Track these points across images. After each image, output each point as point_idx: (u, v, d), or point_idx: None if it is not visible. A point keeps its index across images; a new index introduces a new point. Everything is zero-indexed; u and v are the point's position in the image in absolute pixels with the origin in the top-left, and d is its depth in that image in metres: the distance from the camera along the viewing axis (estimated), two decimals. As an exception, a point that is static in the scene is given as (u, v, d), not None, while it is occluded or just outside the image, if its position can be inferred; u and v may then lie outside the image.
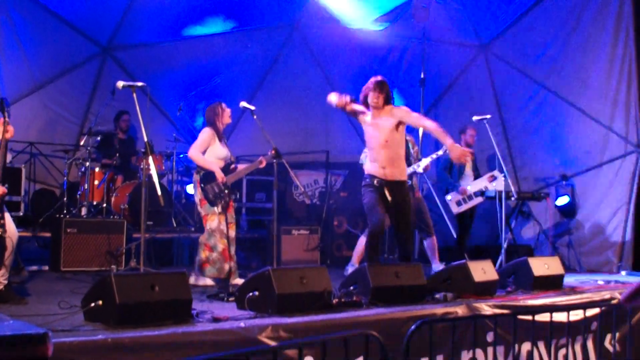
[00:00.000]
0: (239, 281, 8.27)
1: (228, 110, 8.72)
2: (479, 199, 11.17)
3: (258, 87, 14.19)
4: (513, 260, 8.88)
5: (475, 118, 10.52)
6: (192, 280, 8.27)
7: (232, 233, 8.50)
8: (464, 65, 13.66)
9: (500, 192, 10.52)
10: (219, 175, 8.34)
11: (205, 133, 8.52)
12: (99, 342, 4.80)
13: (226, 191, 8.39)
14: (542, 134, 12.69)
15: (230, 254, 8.44)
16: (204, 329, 5.37)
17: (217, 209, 8.30)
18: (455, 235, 11.64)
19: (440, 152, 10.09)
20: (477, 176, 11.53)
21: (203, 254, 8.40)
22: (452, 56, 13.64)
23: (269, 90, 14.11)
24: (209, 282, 8.42)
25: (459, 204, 11.24)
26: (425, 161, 10.03)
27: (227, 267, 8.41)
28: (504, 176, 10.22)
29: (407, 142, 9.82)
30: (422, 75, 12.87)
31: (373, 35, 13.51)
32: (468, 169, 11.37)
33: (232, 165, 8.64)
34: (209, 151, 8.46)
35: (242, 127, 13.82)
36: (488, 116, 10.35)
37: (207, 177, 8.36)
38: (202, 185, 8.37)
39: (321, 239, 11.60)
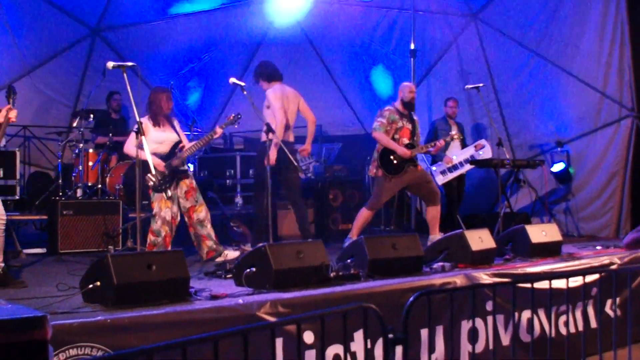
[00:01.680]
0: (233, 254, 8.31)
1: (164, 95, 8.57)
2: (465, 168, 11.19)
3: (248, 63, 14.12)
4: (510, 228, 8.87)
5: (467, 87, 10.53)
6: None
7: (200, 215, 8.46)
8: (454, 34, 13.59)
9: (489, 161, 10.58)
10: (155, 163, 8.10)
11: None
12: (98, 323, 4.79)
13: (165, 175, 8.29)
14: (536, 101, 12.67)
15: (203, 234, 8.43)
16: (203, 307, 5.36)
17: (166, 194, 8.20)
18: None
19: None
20: (464, 146, 11.53)
21: (149, 238, 8.31)
22: (442, 26, 13.59)
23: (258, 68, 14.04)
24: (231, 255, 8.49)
25: (443, 173, 11.28)
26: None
27: None
28: (500, 144, 10.17)
29: (415, 122, 9.85)
30: (412, 47, 12.83)
31: (361, 8, 13.46)
32: (454, 139, 11.32)
33: (180, 145, 8.50)
34: (147, 140, 8.29)
35: (234, 103, 13.81)
36: (480, 85, 10.33)
37: (146, 166, 8.29)
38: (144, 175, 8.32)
39: (316, 213, 11.58)
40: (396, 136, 9.64)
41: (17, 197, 10.67)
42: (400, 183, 9.75)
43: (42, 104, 12.30)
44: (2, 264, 6.84)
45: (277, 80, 10.07)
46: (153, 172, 8.05)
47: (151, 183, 8.23)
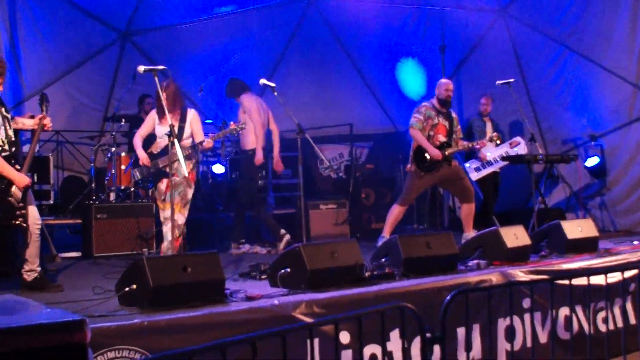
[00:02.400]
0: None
1: (172, 86, 8.41)
2: (499, 165, 11.12)
3: (277, 63, 14.12)
4: (545, 225, 8.81)
5: (498, 83, 10.44)
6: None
7: (165, 213, 8.16)
8: (483, 30, 13.51)
9: (522, 157, 10.53)
10: (140, 156, 8.16)
11: (148, 117, 8.46)
12: (135, 326, 4.84)
13: (149, 173, 8.23)
14: (568, 95, 12.56)
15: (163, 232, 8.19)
16: (238, 308, 5.38)
17: (147, 192, 8.12)
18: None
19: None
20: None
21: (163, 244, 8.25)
22: (471, 22, 13.49)
23: (288, 66, 14.05)
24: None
25: (477, 170, 11.20)
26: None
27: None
28: (533, 140, 10.11)
29: (453, 120, 9.84)
30: (441, 43, 12.78)
31: (389, 5, 13.42)
32: (489, 135, 11.28)
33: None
34: (155, 133, 8.32)
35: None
36: (511, 80, 10.27)
37: (137, 160, 8.29)
38: (133, 168, 8.31)
39: (349, 212, 11.58)
40: (431, 133, 9.64)
41: (51, 202, 10.75)
42: (432, 180, 9.75)
43: (74, 109, 12.36)
44: (39, 268, 6.91)
45: (246, 91, 10.41)
46: (143, 171, 8.08)
47: (136, 177, 8.27)
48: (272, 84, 8.35)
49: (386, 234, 9.62)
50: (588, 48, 12.08)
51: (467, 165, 11.27)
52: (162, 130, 8.22)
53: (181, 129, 8.29)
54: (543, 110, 13.03)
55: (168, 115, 7.14)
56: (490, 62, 13.35)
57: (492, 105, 11.75)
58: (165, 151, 8.09)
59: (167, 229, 8.07)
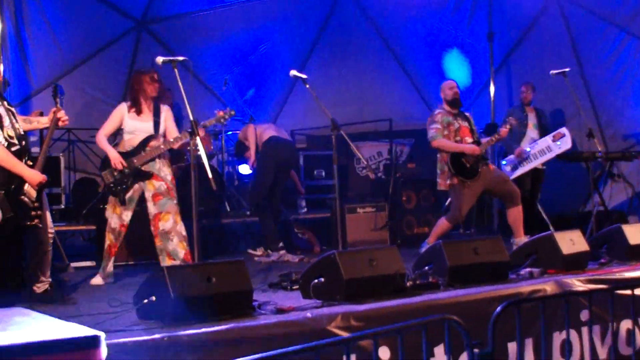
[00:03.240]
0: None
1: (148, 76, 8.25)
2: (539, 161, 11.01)
3: (309, 53, 14.16)
4: (605, 229, 8.76)
5: (552, 72, 10.39)
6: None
7: (166, 225, 7.99)
8: (535, 14, 13.47)
9: (574, 153, 10.43)
10: (112, 157, 7.98)
11: (114, 111, 8.31)
12: (155, 341, 4.86)
13: (125, 175, 8.01)
14: (629, 86, 12.51)
15: (166, 251, 8.01)
16: (268, 322, 5.40)
17: (120, 198, 7.99)
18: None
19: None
20: (543, 135, 11.33)
21: (105, 245, 8.25)
22: (521, 5, 13.44)
23: (321, 56, 14.09)
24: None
25: (514, 168, 11.09)
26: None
27: (108, 265, 8.19)
28: (591, 135, 10.03)
29: (468, 117, 9.85)
30: (489, 30, 12.76)
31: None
32: (531, 129, 11.21)
33: (151, 142, 8.13)
34: (123, 128, 8.22)
35: (295, 98, 13.84)
36: (567, 70, 10.23)
37: (105, 162, 8.16)
38: (100, 172, 8.23)
39: (389, 217, 11.58)
40: (457, 138, 9.66)
41: (62, 206, 10.83)
42: (478, 187, 9.72)
43: (86, 105, 12.42)
44: (50, 279, 6.97)
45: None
46: (115, 173, 7.98)
47: (107, 181, 8.07)
48: (304, 76, 8.36)
49: (430, 242, 9.63)
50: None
51: (503, 162, 11.24)
52: (134, 125, 8.16)
53: (156, 124, 8.24)
54: (602, 103, 12.96)
55: (189, 109, 7.15)
56: (543, 50, 13.32)
57: (534, 94, 11.58)
58: (135, 149, 8.09)
59: (174, 245, 8.01)
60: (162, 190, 8.07)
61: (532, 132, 11.26)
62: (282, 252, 10.10)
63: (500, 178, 9.83)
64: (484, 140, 9.90)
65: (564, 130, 10.91)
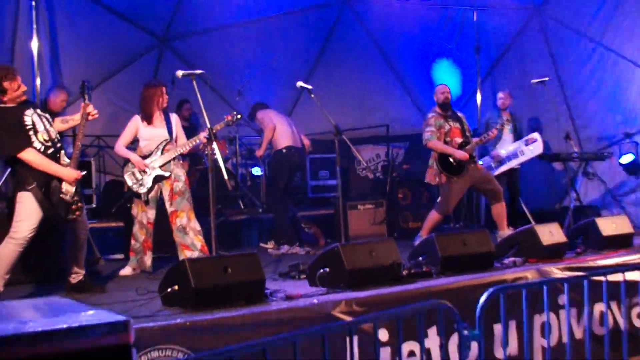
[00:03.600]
0: None
1: (157, 90, 8.41)
2: (512, 163, 10.95)
3: (314, 66, 14.13)
4: (580, 222, 8.78)
5: (533, 81, 10.45)
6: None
7: (182, 221, 8.11)
8: (518, 29, 13.46)
9: (556, 154, 10.41)
10: (135, 161, 8.13)
11: (129, 123, 8.38)
12: (178, 326, 4.90)
13: (146, 176, 8.14)
14: (602, 93, 12.47)
15: (183, 243, 8.09)
16: (279, 308, 5.43)
17: (143, 197, 8.11)
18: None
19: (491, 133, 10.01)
20: (517, 139, 11.29)
21: (131, 242, 8.35)
22: (505, 21, 13.44)
23: (325, 69, 14.04)
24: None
25: (489, 169, 11.03)
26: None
27: (146, 261, 8.26)
28: (568, 138, 10.03)
29: (461, 118, 9.86)
30: (475, 43, 12.76)
31: (423, 6, 13.42)
32: (506, 133, 11.13)
33: (167, 146, 8.23)
34: (139, 137, 8.31)
35: (301, 106, 13.83)
36: (546, 78, 10.30)
37: (125, 167, 8.28)
38: (123, 176, 8.29)
39: (387, 212, 11.58)
40: (447, 139, 9.70)
41: (93, 205, 10.85)
42: (465, 183, 9.73)
43: (113, 114, 12.39)
44: (83, 271, 7.01)
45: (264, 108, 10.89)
46: (137, 175, 8.10)
47: (130, 184, 8.17)
48: (309, 87, 8.36)
49: (423, 234, 9.64)
50: (622, 45, 11.99)
51: (480, 163, 11.19)
52: (150, 133, 8.24)
53: (170, 130, 8.31)
54: (578, 109, 12.92)
55: (206, 117, 7.16)
56: (525, 62, 13.30)
57: (511, 100, 11.49)
58: (154, 154, 8.17)
59: (136, 229, 8.22)
60: (177, 190, 8.17)
61: (507, 135, 11.13)
62: (286, 246, 10.14)
63: (485, 177, 9.83)
64: (474, 140, 9.87)
65: (536, 135, 10.83)
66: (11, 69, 6.51)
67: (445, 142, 9.68)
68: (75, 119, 7.02)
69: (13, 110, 6.51)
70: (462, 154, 9.53)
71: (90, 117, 6.82)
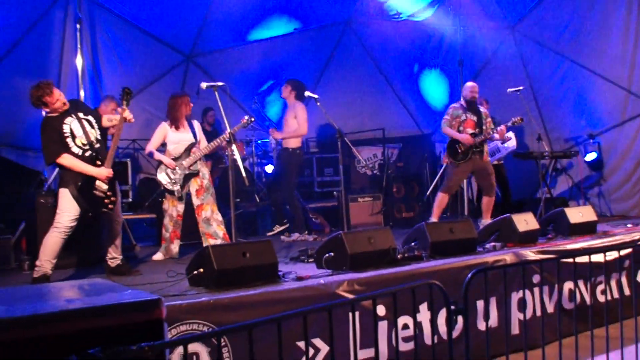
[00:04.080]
0: None
1: (182, 100, 8.36)
2: (492, 160, 10.93)
3: (319, 78, 14.12)
4: (551, 211, 8.75)
5: (509, 90, 10.41)
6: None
7: (206, 213, 8.12)
8: (496, 45, 13.42)
9: (530, 153, 10.42)
10: (167, 163, 8.12)
11: (158, 129, 8.36)
12: (203, 303, 4.88)
13: (178, 175, 8.14)
14: (569, 100, 12.45)
15: (207, 232, 8.11)
16: (290, 287, 5.40)
17: (177, 194, 8.11)
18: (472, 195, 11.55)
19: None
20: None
21: (162, 231, 8.38)
22: (484, 38, 13.40)
23: (329, 81, 14.03)
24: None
25: None
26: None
27: (173, 248, 8.27)
28: (540, 139, 10.00)
29: (481, 114, 9.79)
30: (459, 57, 12.74)
31: (415, 26, 13.41)
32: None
33: (193, 148, 8.24)
34: (167, 141, 8.27)
35: (308, 113, 13.79)
36: (521, 88, 10.25)
37: (159, 168, 8.26)
38: (157, 175, 8.28)
39: (383, 204, 11.57)
40: (460, 128, 9.67)
41: (130, 200, 10.85)
42: (467, 169, 9.73)
43: (146, 120, 12.39)
44: (121, 256, 7.01)
45: (303, 99, 10.25)
46: (170, 175, 8.10)
47: (164, 182, 8.17)
48: (316, 96, 8.37)
49: (434, 218, 9.65)
50: (586, 58, 11.96)
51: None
52: (178, 137, 8.24)
53: (194, 134, 8.33)
54: (548, 113, 12.90)
55: (226, 122, 7.14)
56: (502, 73, 13.24)
57: (488, 106, 11.34)
58: (181, 155, 8.18)
59: (167, 221, 8.25)
60: (203, 186, 8.20)
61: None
62: (296, 234, 10.12)
63: (486, 171, 9.75)
64: (487, 131, 9.77)
65: (510, 134, 10.85)
66: (48, 85, 6.52)
67: (459, 131, 9.66)
68: (112, 119, 7.01)
69: (54, 120, 6.56)
70: (465, 137, 9.52)
71: (127, 121, 6.79)
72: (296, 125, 9.92)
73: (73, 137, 6.56)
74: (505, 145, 10.95)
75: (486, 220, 9.46)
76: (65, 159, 6.47)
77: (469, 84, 10.05)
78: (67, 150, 6.50)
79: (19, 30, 10.67)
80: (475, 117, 9.80)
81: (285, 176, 10.07)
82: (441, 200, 9.74)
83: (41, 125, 6.58)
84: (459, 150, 9.59)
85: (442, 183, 10.00)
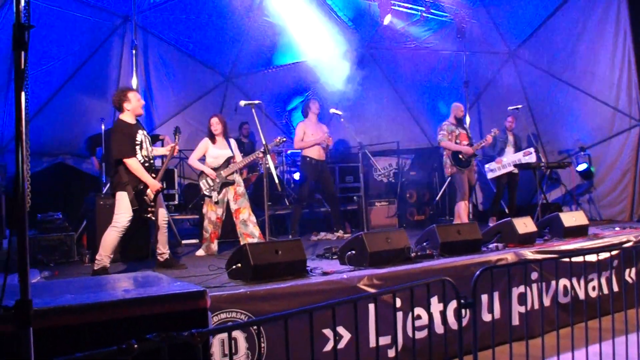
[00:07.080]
0: None
1: (214, 120, 8.33)
2: (508, 169, 11.01)
3: (341, 96, 14.11)
4: (547, 216, 8.67)
5: (510, 108, 10.45)
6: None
7: (244, 216, 8.11)
8: (497, 68, 13.36)
9: (529, 164, 10.48)
10: (208, 172, 8.15)
11: (200, 143, 8.40)
12: (241, 294, 4.88)
13: (216, 183, 8.17)
14: (562, 117, 12.34)
15: (245, 233, 8.07)
16: (317, 281, 5.39)
17: (213, 199, 8.13)
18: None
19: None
20: (517, 152, 11.30)
21: (203, 232, 8.39)
22: (487, 62, 13.37)
23: (350, 101, 14.04)
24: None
25: (492, 171, 11.21)
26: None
27: (213, 247, 8.26)
28: (535, 150, 10.03)
29: (466, 128, 9.96)
30: (465, 79, 12.70)
31: (425, 51, 13.37)
32: (509, 146, 11.26)
33: (232, 161, 8.28)
34: (207, 154, 8.31)
35: (333, 127, 13.80)
36: (519, 106, 10.29)
37: (200, 177, 8.33)
38: (199, 182, 8.33)
39: (398, 208, 11.53)
40: (457, 141, 9.92)
41: (176, 202, 10.90)
42: (467, 174, 9.94)
43: (191, 133, 12.47)
44: (168, 252, 7.03)
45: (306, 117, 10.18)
46: (210, 182, 8.13)
47: (204, 189, 8.22)
48: (340, 112, 8.39)
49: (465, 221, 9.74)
50: (578, 80, 11.88)
51: (486, 166, 11.26)
52: (217, 152, 8.27)
53: (231, 149, 8.38)
54: (544, 129, 12.79)
55: (262, 135, 7.14)
56: (503, 93, 13.18)
57: (516, 124, 11.55)
58: (221, 167, 8.21)
59: (206, 224, 8.25)
60: (239, 192, 8.24)
61: (509, 149, 11.27)
62: (323, 233, 10.10)
63: (473, 178, 10.22)
64: (476, 143, 10.13)
65: (532, 149, 10.92)
66: (126, 91, 6.65)
67: (456, 143, 9.91)
68: (158, 151, 7.36)
69: (131, 126, 6.69)
70: (467, 149, 9.85)
71: (174, 153, 7.09)
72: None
73: (140, 147, 6.69)
74: (526, 158, 10.98)
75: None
76: (134, 162, 6.57)
77: (457, 104, 10.30)
78: (135, 155, 6.62)
79: (83, 56, 10.86)
80: (464, 130, 10.10)
81: (303, 181, 10.02)
82: (464, 208, 9.83)
83: (117, 124, 6.69)
84: (462, 159, 9.84)
85: (457, 195, 10.02)
